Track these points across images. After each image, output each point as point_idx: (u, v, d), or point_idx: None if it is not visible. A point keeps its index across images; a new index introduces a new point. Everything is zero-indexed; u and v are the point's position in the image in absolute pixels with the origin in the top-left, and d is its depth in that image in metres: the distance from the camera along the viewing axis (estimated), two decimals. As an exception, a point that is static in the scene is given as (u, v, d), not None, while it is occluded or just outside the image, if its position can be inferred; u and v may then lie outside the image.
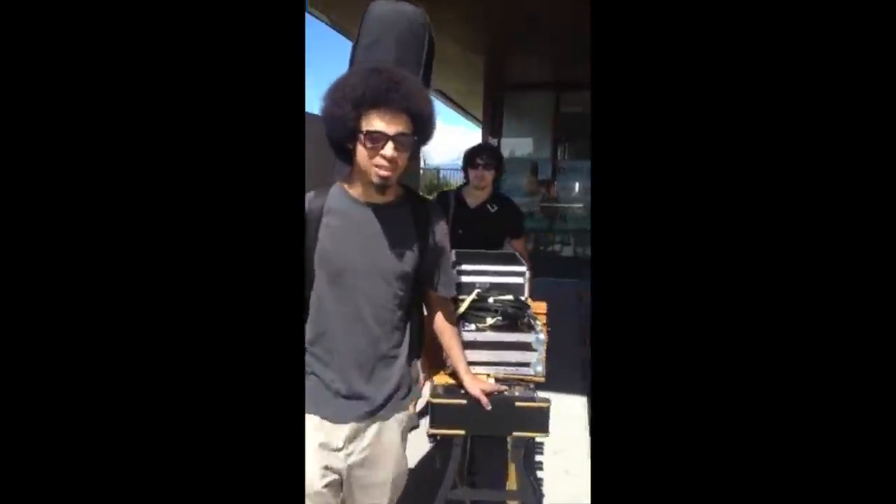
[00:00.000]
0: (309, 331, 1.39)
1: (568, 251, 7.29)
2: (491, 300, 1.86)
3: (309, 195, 1.36)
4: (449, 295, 1.52)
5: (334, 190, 1.38)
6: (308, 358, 1.39)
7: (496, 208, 2.72)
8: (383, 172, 1.27)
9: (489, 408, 1.54)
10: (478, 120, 11.21)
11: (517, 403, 1.57)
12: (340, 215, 1.35)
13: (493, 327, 1.74)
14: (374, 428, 1.39)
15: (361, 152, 1.27)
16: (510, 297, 1.93)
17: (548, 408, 1.58)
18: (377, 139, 1.24)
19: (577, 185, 9.04)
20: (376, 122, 1.24)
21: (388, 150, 1.25)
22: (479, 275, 1.88)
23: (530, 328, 1.78)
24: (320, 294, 1.36)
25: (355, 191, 1.36)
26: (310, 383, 1.38)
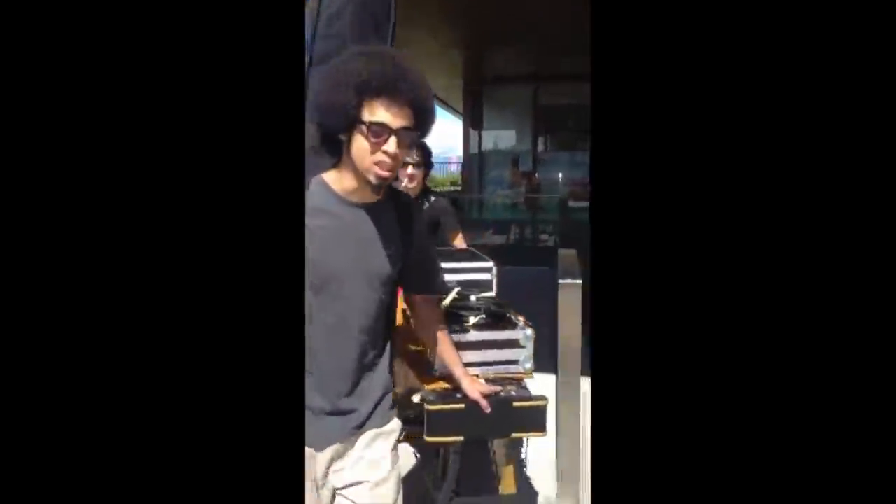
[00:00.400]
0: None
1: (550, 241, 7.35)
2: (473, 298, 1.80)
3: None
4: (446, 293, 1.43)
5: (315, 186, 1.21)
6: None
7: (427, 205, 2.68)
8: (384, 172, 1.14)
9: (489, 410, 1.46)
10: (459, 113, 11.19)
11: (515, 404, 1.50)
12: (326, 216, 1.19)
13: (477, 326, 1.69)
14: (361, 441, 1.29)
15: (360, 146, 1.14)
16: (492, 293, 1.88)
17: (545, 406, 1.53)
18: (380, 132, 1.12)
19: (559, 175, 9.11)
20: (381, 113, 1.12)
21: (391, 145, 1.13)
22: (446, 273, 1.84)
23: (514, 324, 1.73)
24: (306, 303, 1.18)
25: (343, 188, 1.21)
26: None
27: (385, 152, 1.13)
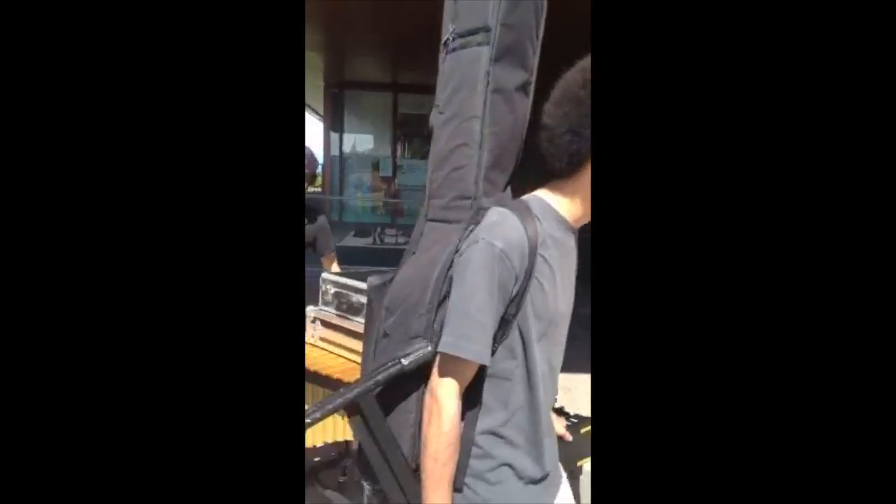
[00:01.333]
0: (497, 415, 0.99)
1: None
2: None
3: (510, 218, 0.96)
4: None
5: (540, 207, 1.01)
6: (491, 446, 1.00)
7: (308, 223, 2.54)
8: None
9: None
10: (319, 114, 11.17)
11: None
12: (556, 245, 1.00)
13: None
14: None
15: None
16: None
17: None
18: None
19: (417, 182, 9.43)
20: None
21: None
22: (355, 291, 1.94)
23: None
24: (526, 356, 0.99)
25: (569, 213, 1.03)
26: (497, 477, 0.99)
27: None
